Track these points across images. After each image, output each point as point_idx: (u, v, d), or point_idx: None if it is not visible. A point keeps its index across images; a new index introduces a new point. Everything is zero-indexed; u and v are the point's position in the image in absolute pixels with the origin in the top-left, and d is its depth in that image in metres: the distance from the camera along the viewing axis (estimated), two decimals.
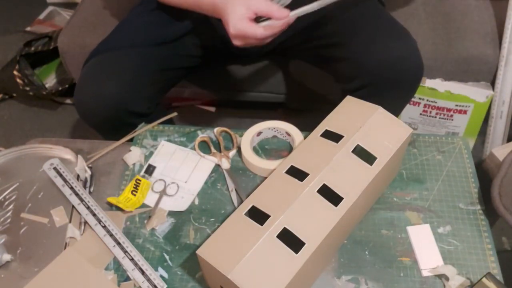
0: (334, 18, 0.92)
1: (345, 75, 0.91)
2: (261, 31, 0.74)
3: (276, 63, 1.22)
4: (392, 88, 0.86)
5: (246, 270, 0.56)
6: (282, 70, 1.24)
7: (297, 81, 1.26)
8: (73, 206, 0.76)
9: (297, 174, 0.66)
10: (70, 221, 0.75)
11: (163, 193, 0.79)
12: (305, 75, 1.24)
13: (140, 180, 0.80)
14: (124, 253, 0.71)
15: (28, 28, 1.89)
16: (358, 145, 0.68)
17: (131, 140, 0.88)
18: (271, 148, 0.85)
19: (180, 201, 0.78)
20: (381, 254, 0.71)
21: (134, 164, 0.83)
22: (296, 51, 1.05)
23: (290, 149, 0.85)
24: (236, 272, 0.56)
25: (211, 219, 0.76)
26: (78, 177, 0.80)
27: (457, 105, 1.24)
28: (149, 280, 0.68)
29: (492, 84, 1.23)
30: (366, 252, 0.71)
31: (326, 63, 0.99)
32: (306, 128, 0.83)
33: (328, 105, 0.81)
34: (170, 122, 0.92)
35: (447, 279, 0.67)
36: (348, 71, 0.89)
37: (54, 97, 1.62)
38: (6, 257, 0.71)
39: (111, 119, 0.86)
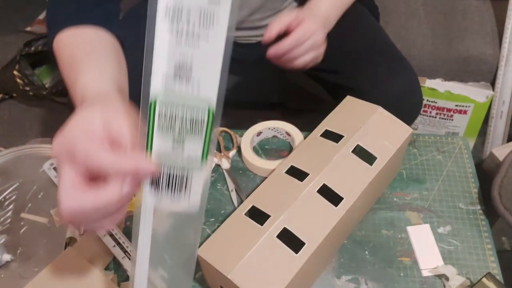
0: (330, 44, 0.91)
1: (343, 98, 0.91)
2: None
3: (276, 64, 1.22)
4: None
5: (246, 270, 0.56)
6: (282, 71, 1.24)
7: (297, 82, 1.26)
8: None
9: (297, 174, 0.65)
10: None
11: None
12: (306, 76, 1.24)
13: None
14: (124, 253, 0.71)
15: (28, 28, 1.89)
16: (358, 145, 0.68)
17: None
18: (271, 148, 0.85)
19: None
20: (381, 254, 0.71)
21: None
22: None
23: (290, 149, 0.85)
24: (236, 272, 0.56)
25: (211, 219, 0.76)
26: None
27: (457, 105, 1.24)
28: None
29: (492, 84, 1.23)
30: (366, 252, 0.71)
31: (325, 84, 0.99)
32: (306, 128, 0.83)
33: (328, 105, 0.80)
34: None
35: (447, 279, 0.67)
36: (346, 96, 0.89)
37: (54, 97, 1.61)
38: (6, 257, 0.70)
39: None
